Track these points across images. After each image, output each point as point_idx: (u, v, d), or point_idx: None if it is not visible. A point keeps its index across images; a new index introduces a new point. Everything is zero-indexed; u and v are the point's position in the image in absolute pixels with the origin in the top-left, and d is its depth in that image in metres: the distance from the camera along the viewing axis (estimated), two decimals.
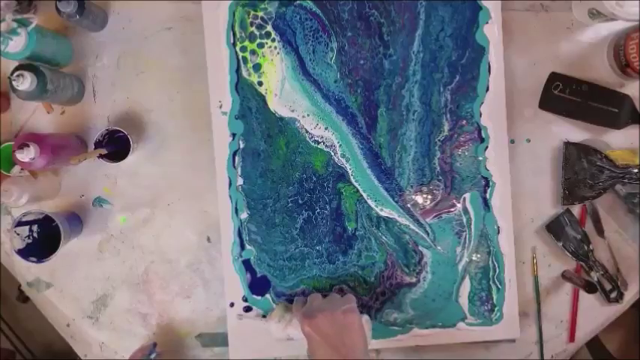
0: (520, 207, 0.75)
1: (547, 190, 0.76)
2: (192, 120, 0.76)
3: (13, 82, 0.64)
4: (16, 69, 0.64)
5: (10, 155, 0.71)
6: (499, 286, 0.73)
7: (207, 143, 0.74)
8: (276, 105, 0.73)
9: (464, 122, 0.73)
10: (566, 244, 0.74)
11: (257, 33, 0.73)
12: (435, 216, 0.73)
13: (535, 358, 0.76)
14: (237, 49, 0.73)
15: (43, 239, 0.72)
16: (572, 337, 0.76)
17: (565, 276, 0.73)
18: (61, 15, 0.68)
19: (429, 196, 0.73)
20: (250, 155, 0.73)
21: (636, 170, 0.72)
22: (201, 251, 0.77)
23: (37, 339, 1.37)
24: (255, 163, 0.73)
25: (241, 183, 0.73)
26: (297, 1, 0.72)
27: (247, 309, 0.73)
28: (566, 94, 0.73)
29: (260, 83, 0.73)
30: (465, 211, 0.73)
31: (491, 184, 0.73)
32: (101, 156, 0.71)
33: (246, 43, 0.73)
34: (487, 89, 0.72)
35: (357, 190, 0.73)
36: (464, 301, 0.73)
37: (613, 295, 0.74)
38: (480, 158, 0.73)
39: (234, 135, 0.73)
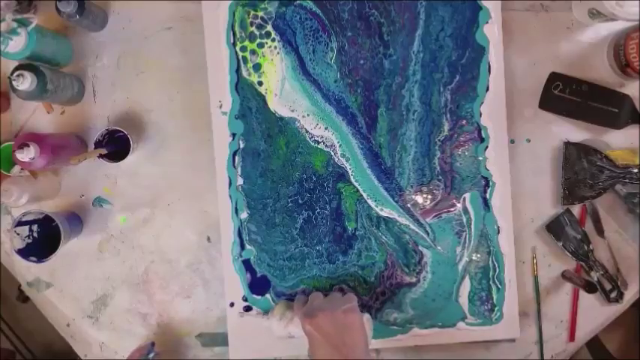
0: (520, 207, 0.75)
1: (547, 190, 0.76)
2: (192, 120, 0.76)
3: (13, 82, 0.64)
4: (16, 69, 0.64)
5: (10, 155, 0.71)
6: (499, 286, 0.73)
7: (207, 143, 0.74)
8: (276, 105, 0.73)
9: (464, 122, 0.73)
10: (566, 244, 0.74)
11: (257, 33, 0.73)
12: (435, 216, 0.73)
13: (535, 358, 0.76)
14: (237, 49, 0.73)
15: (43, 239, 0.72)
16: (572, 337, 0.76)
17: (565, 276, 0.73)
18: (61, 15, 0.68)
19: (429, 196, 0.73)
20: (250, 155, 0.73)
21: (636, 170, 0.72)
22: (201, 251, 0.77)
23: (37, 339, 1.37)
24: (255, 163, 0.73)
25: (241, 183, 0.73)
26: (297, 1, 0.72)
27: (247, 309, 0.73)
28: (566, 94, 0.73)
29: (260, 83, 0.73)
30: (465, 211, 0.73)
31: (491, 184, 0.73)
32: (101, 156, 0.71)
33: (246, 43, 0.73)
34: (487, 89, 0.72)
35: (357, 190, 0.73)
36: (464, 300, 0.73)
37: (613, 294, 0.74)
38: (480, 158, 0.73)
39: (234, 135, 0.73)
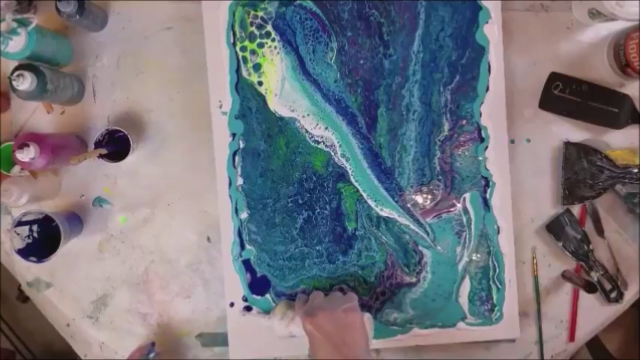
0: (520, 207, 0.75)
1: (547, 190, 0.76)
2: (192, 120, 0.76)
3: (13, 82, 0.64)
4: (16, 69, 0.64)
5: (10, 155, 0.71)
6: (499, 286, 0.73)
7: (207, 143, 0.74)
8: (276, 105, 0.73)
9: (464, 122, 0.73)
10: (566, 244, 0.74)
11: (257, 33, 0.73)
12: (435, 216, 0.73)
13: (535, 358, 0.76)
14: (237, 49, 0.73)
15: (43, 239, 0.72)
16: (572, 337, 0.76)
17: (565, 276, 0.73)
18: (61, 15, 0.68)
19: (429, 196, 0.73)
20: (250, 155, 0.73)
21: (636, 170, 0.72)
22: (201, 251, 0.77)
23: (37, 339, 1.37)
24: (255, 163, 0.73)
25: (241, 183, 0.73)
26: (297, 1, 0.72)
27: (247, 309, 0.73)
28: (566, 94, 0.73)
29: (260, 83, 0.73)
30: (465, 211, 0.73)
31: (491, 184, 0.73)
32: (101, 156, 0.71)
33: (246, 42, 0.73)
34: (487, 89, 0.72)
35: (357, 190, 0.73)
36: (464, 300, 0.73)
37: (613, 295, 0.74)
38: (480, 158, 0.73)
39: (234, 135, 0.73)
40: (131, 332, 0.77)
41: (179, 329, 0.77)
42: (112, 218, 0.77)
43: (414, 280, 0.73)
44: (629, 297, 0.75)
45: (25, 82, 0.63)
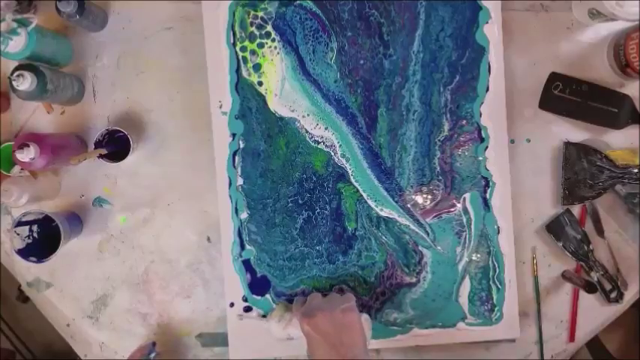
0: (520, 207, 0.75)
1: (547, 190, 0.76)
2: (192, 120, 0.76)
3: (13, 82, 0.64)
4: (16, 69, 0.64)
5: (10, 155, 0.71)
6: (499, 286, 0.73)
7: (207, 143, 0.74)
8: (276, 105, 0.73)
9: (464, 122, 0.73)
10: (566, 244, 0.74)
11: (257, 33, 0.73)
12: (435, 216, 0.73)
13: (535, 358, 0.76)
14: (237, 49, 0.73)
15: (43, 239, 0.72)
16: (572, 337, 0.76)
17: (565, 276, 0.73)
18: (61, 15, 0.68)
19: (429, 196, 0.73)
20: (250, 155, 0.73)
21: (636, 170, 0.72)
22: (201, 251, 0.77)
23: (37, 339, 1.37)
24: (255, 163, 0.73)
25: (241, 183, 0.73)
26: (297, 1, 0.72)
27: (247, 309, 0.73)
28: (566, 94, 0.73)
29: (260, 83, 0.73)
30: (465, 211, 0.73)
31: (491, 184, 0.73)
32: (101, 156, 0.71)
33: (246, 43, 0.73)
34: (487, 89, 0.72)
35: (357, 190, 0.73)
36: (464, 301, 0.73)
37: (613, 295, 0.74)
38: (480, 158, 0.73)
39: (234, 135, 0.73)
40: (131, 332, 0.77)
41: (179, 329, 0.77)
42: (112, 218, 0.77)
43: (414, 280, 0.73)
44: (629, 297, 0.75)
45: (25, 82, 0.63)
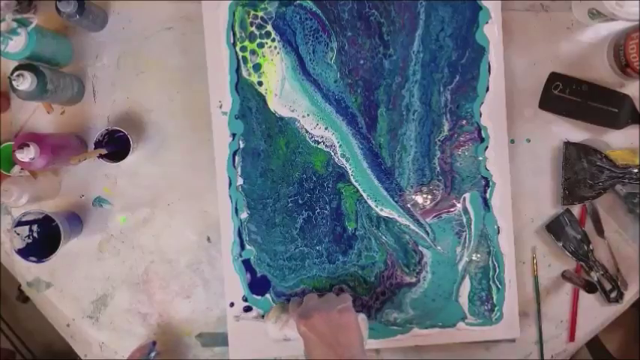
0: (520, 207, 0.75)
1: (547, 190, 0.76)
2: (192, 120, 0.76)
3: (13, 82, 0.64)
4: (16, 69, 0.64)
5: (10, 155, 0.71)
6: (499, 286, 0.73)
7: (207, 143, 0.74)
8: (276, 105, 0.73)
9: (464, 122, 0.73)
10: (566, 244, 0.74)
11: (257, 33, 0.73)
12: (435, 216, 0.73)
13: (535, 358, 0.76)
14: (237, 49, 0.73)
15: (43, 239, 0.72)
16: (572, 337, 0.76)
17: (565, 276, 0.73)
18: (61, 15, 0.68)
19: (429, 196, 0.73)
20: (250, 155, 0.73)
21: (636, 170, 0.72)
22: (201, 251, 0.77)
23: (37, 339, 1.37)
24: (255, 163, 0.73)
25: (241, 183, 0.73)
26: (297, 1, 0.72)
27: (247, 309, 0.73)
28: (566, 94, 0.73)
29: (260, 83, 0.73)
30: (465, 211, 0.73)
31: (491, 184, 0.73)
32: (101, 156, 0.71)
33: (246, 43, 0.73)
34: (487, 89, 0.72)
35: (357, 190, 0.73)
36: (464, 300, 0.73)
37: (613, 295, 0.74)
38: (480, 158, 0.73)
39: (234, 135, 0.73)
40: (131, 332, 0.77)
41: (179, 329, 0.77)
42: (112, 218, 0.77)
43: (414, 280, 0.73)
44: (629, 297, 0.75)
45: (25, 82, 0.63)
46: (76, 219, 0.76)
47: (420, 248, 0.73)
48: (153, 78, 0.76)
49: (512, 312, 0.73)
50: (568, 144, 0.74)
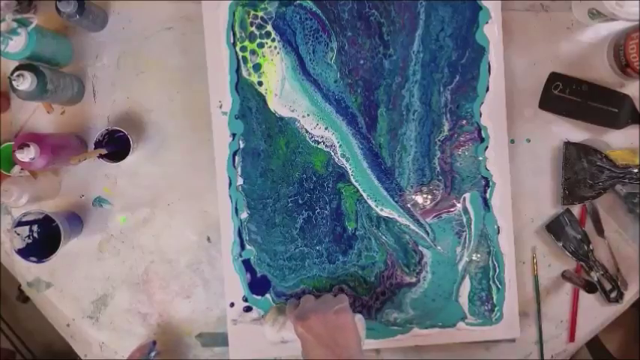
0: (520, 207, 0.75)
1: (547, 190, 0.76)
2: (192, 120, 0.76)
3: (13, 82, 0.64)
4: (16, 69, 0.64)
5: (10, 155, 0.71)
6: (499, 286, 0.73)
7: (207, 143, 0.74)
8: (276, 105, 0.73)
9: (464, 122, 0.73)
10: (566, 244, 0.74)
11: (257, 33, 0.73)
12: (435, 216, 0.73)
13: (535, 358, 0.76)
14: (237, 49, 0.73)
15: (43, 239, 0.72)
16: (572, 337, 0.76)
17: (565, 276, 0.73)
18: (61, 15, 0.68)
19: (429, 196, 0.73)
20: (250, 155, 0.73)
21: (636, 170, 0.72)
22: (201, 251, 0.77)
23: (37, 339, 1.37)
24: (255, 162, 0.73)
25: (241, 183, 0.73)
26: (297, 1, 0.72)
27: (247, 309, 0.73)
28: (566, 94, 0.73)
29: (260, 83, 0.73)
30: (465, 211, 0.73)
31: (491, 184, 0.73)
32: (101, 156, 0.71)
33: (246, 43, 0.73)
34: (487, 89, 0.72)
35: (357, 190, 0.73)
36: (464, 300, 0.73)
37: (613, 295, 0.74)
38: (480, 158, 0.73)
39: (234, 135, 0.73)
40: (131, 332, 0.77)
41: (179, 329, 0.77)
42: (112, 218, 0.77)
43: (414, 280, 0.73)
44: (629, 297, 0.75)
45: (25, 82, 0.63)
46: (76, 219, 0.76)
47: (420, 248, 0.73)
48: (153, 78, 0.76)
49: (512, 312, 0.73)
50: (568, 144, 0.74)
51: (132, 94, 0.77)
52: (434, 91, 0.72)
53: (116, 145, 0.73)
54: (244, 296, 0.73)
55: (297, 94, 0.73)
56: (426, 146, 0.73)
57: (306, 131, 0.73)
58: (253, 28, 0.73)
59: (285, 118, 0.73)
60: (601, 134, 0.75)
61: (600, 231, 0.75)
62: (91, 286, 0.77)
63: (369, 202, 0.73)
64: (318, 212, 0.73)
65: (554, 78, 0.74)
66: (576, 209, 0.75)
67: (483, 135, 0.73)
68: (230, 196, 0.73)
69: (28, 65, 0.65)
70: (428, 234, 0.73)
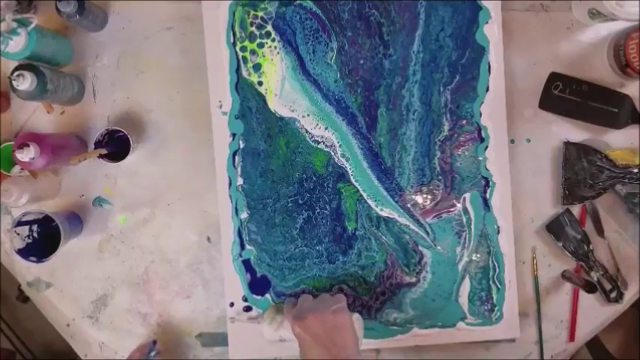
0: (520, 207, 0.75)
1: (547, 190, 0.76)
2: (192, 120, 0.76)
3: (13, 82, 0.64)
4: (16, 69, 0.64)
5: (10, 155, 0.71)
6: (499, 286, 0.73)
7: (207, 143, 0.74)
8: (276, 105, 0.73)
9: (464, 122, 0.73)
10: (566, 244, 0.74)
11: (257, 33, 0.73)
12: (435, 216, 0.73)
13: (535, 358, 0.76)
14: (237, 48, 0.73)
15: (43, 239, 0.72)
16: (572, 337, 0.76)
17: (565, 276, 0.73)
18: (61, 15, 0.68)
19: (429, 196, 0.73)
20: (250, 155, 0.73)
21: (636, 170, 0.72)
22: (201, 251, 0.77)
23: (37, 339, 1.37)
24: (255, 162, 0.73)
25: (241, 183, 0.73)
26: (297, 1, 0.72)
27: (247, 309, 0.73)
28: (566, 94, 0.73)
29: (260, 83, 0.73)
30: (465, 211, 0.73)
31: (491, 184, 0.73)
32: (101, 156, 0.71)
33: (246, 42, 0.73)
34: (487, 89, 0.72)
35: (357, 190, 0.73)
36: (464, 300, 0.73)
37: (613, 295, 0.74)
38: (480, 158, 0.73)
39: (234, 135, 0.73)
40: (131, 332, 0.77)
41: (179, 329, 0.77)
42: (112, 218, 0.77)
43: (414, 280, 0.73)
44: (629, 297, 0.75)
45: (25, 82, 0.63)
46: (76, 219, 0.76)
47: (420, 248, 0.73)
48: (153, 78, 0.76)
49: (512, 312, 0.73)
50: (568, 144, 0.74)
51: (132, 94, 0.77)
52: (434, 91, 0.72)
53: (116, 145, 0.73)
54: (244, 296, 0.73)
55: (297, 94, 0.73)
56: (426, 146, 0.73)
57: (306, 131, 0.73)
58: (253, 28, 0.73)
59: (285, 118, 0.73)
60: (601, 134, 0.75)
61: (600, 231, 0.75)
62: (91, 286, 0.77)
63: (369, 202, 0.73)
64: (318, 212, 0.73)
65: (554, 78, 0.74)
66: (576, 209, 0.75)
67: (483, 135, 0.73)
68: (230, 196, 0.73)
69: (28, 65, 0.65)
70: (428, 234, 0.73)
